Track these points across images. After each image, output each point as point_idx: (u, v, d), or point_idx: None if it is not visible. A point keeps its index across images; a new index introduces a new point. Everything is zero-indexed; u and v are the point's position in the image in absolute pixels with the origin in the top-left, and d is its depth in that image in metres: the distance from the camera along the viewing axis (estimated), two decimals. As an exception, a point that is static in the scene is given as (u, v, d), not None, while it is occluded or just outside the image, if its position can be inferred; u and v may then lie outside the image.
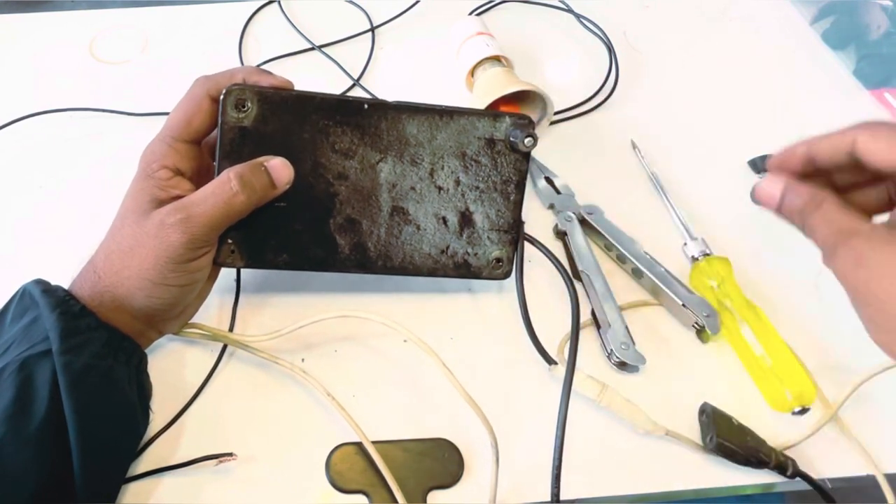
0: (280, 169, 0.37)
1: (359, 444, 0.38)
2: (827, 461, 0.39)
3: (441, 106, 0.39)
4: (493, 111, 0.39)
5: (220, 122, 0.37)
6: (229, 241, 0.38)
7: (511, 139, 0.40)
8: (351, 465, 0.38)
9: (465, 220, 0.42)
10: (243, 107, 0.37)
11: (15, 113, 0.55)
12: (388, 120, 0.39)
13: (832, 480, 0.38)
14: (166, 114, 0.56)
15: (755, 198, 0.36)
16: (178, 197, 0.36)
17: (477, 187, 0.41)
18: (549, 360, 0.41)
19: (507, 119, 0.40)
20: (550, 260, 0.43)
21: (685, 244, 0.48)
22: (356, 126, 0.39)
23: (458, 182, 0.41)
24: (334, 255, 0.41)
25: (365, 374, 0.42)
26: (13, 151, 0.54)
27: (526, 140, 0.39)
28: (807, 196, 0.33)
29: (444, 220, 0.42)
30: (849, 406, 0.40)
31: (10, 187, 0.52)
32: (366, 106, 0.39)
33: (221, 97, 0.37)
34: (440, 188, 0.41)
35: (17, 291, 0.36)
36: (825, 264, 0.32)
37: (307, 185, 0.39)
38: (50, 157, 0.54)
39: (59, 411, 0.31)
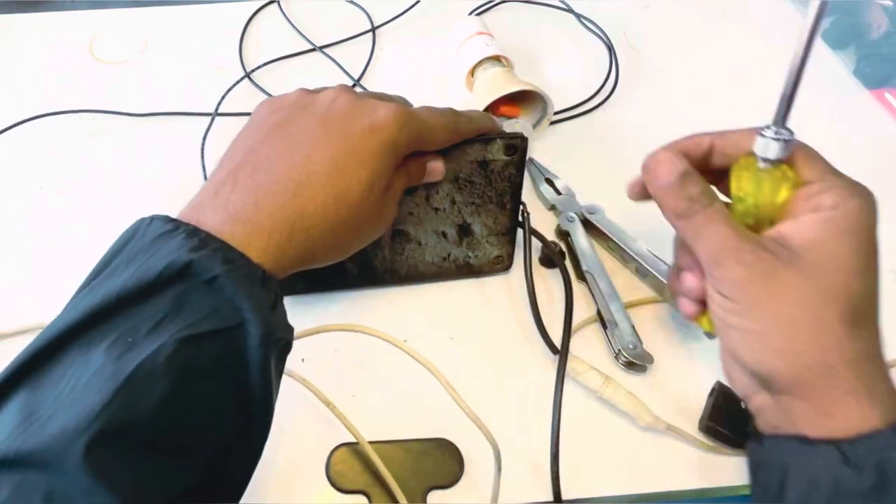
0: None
1: (359, 445, 0.38)
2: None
3: None
4: (483, 136, 0.39)
5: None
6: None
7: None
8: (351, 465, 0.38)
9: (464, 230, 0.43)
10: None
11: (14, 113, 0.55)
12: None
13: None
14: (166, 114, 0.57)
15: (646, 165, 0.33)
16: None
17: (473, 203, 0.42)
18: (555, 350, 0.42)
19: (499, 141, 0.40)
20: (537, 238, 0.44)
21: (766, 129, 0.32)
22: None
23: (453, 202, 0.42)
24: (344, 277, 0.43)
25: (365, 374, 0.42)
26: (13, 152, 0.54)
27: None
28: (703, 185, 0.32)
29: (444, 234, 0.43)
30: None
31: (11, 188, 0.52)
32: None
33: None
34: (437, 209, 0.42)
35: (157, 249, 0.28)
36: (715, 271, 0.31)
37: None
38: (50, 157, 0.54)
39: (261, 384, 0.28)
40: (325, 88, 0.36)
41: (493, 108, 0.53)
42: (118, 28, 0.65)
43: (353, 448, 0.38)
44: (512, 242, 0.44)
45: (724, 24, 0.69)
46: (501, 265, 0.45)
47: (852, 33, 0.65)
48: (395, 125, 0.33)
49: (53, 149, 0.54)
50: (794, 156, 0.31)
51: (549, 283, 0.46)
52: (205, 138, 0.53)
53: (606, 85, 0.61)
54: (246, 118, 0.55)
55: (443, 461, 0.38)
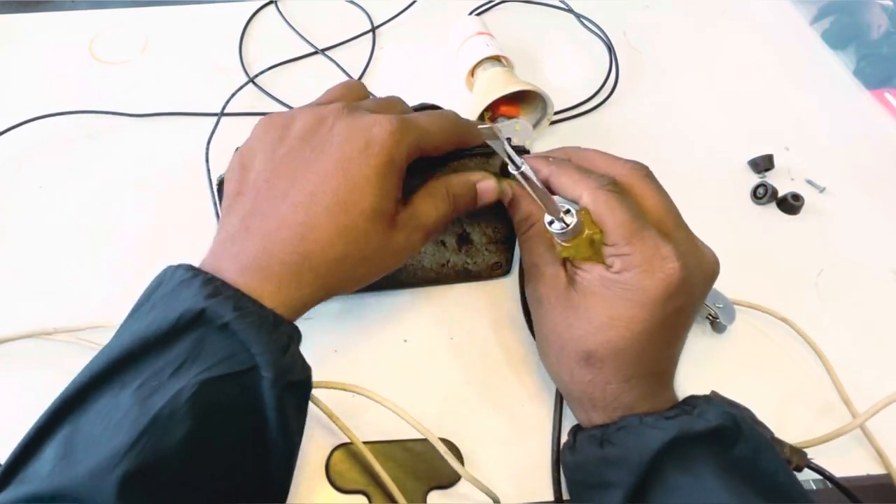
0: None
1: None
2: (844, 465, 0.38)
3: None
4: (484, 149, 0.39)
5: (220, 205, 0.38)
6: None
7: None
8: (350, 465, 0.38)
9: (463, 239, 0.43)
10: None
11: (15, 113, 0.55)
12: None
13: (844, 479, 0.37)
14: (166, 114, 0.57)
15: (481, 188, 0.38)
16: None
17: (472, 213, 0.41)
18: None
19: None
20: None
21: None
22: None
23: None
24: None
25: (365, 374, 0.42)
26: (13, 152, 0.54)
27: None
28: (524, 213, 0.38)
29: (443, 243, 0.43)
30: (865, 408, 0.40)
31: (11, 188, 0.52)
32: None
33: (216, 184, 0.37)
34: None
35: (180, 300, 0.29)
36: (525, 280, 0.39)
37: None
38: (50, 158, 0.54)
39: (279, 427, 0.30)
40: (324, 107, 0.35)
41: (493, 108, 0.53)
42: (118, 28, 0.65)
43: (353, 448, 0.38)
44: (511, 249, 0.45)
45: (724, 23, 0.69)
46: (500, 271, 0.46)
47: (852, 33, 0.65)
48: (391, 140, 0.32)
49: (53, 149, 0.54)
50: (605, 220, 0.34)
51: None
52: (209, 141, 0.53)
53: (606, 85, 0.61)
54: (249, 118, 0.57)
55: (443, 461, 0.38)
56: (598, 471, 0.33)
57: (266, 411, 0.29)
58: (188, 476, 0.27)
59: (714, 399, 0.35)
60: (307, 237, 0.31)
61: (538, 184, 0.33)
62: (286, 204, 0.32)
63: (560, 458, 0.37)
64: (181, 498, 0.27)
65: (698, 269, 0.34)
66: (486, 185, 0.38)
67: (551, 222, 0.34)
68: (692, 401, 0.34)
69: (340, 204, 0.31)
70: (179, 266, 0.31)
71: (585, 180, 0.35)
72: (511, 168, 0.32)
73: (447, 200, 0.36)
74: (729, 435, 0.31)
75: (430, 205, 0.36)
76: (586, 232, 0.34)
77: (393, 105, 0.37)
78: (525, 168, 0.32)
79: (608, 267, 0.34)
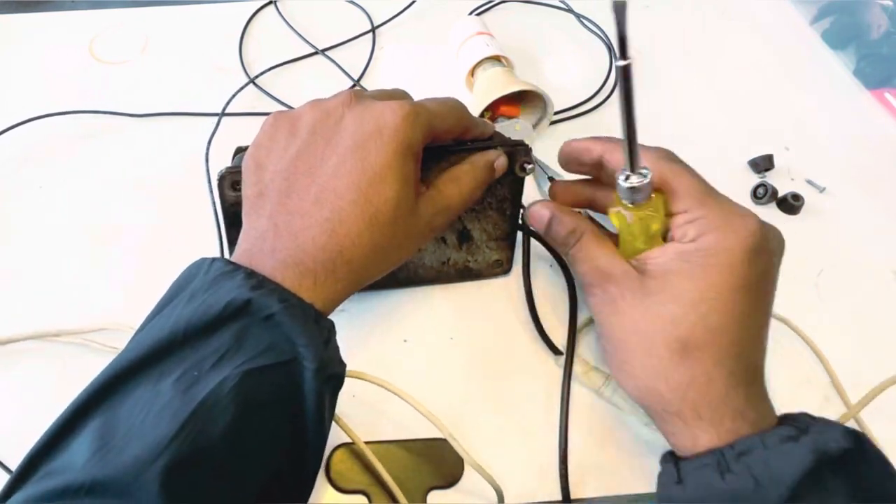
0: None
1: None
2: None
3: (429, 146, 0.38)
4: (485, 144, 0.39)
5: (220, 201, 0.38)
6: None
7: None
8: (351, 465, 0.38)
9: (464, 236, 0.43)
10: (238, 186, 0.36)
11: (14, 113, 0.55)
12: None
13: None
14: (166, 114, 0.57)
15: (527, 217, 0.39)
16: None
17: (473, 209, 0.42)
18: (556, 351, 0.42)
19: (500, 150, 0.39)
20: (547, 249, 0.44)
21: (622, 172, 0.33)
22: None
23: None
24: None
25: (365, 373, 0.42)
26: (13, 152, 0.54)
27: (527, 167, 0.39)
28: (570, 227, 0.36)
29: (444, 240, 0.43)
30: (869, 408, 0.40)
31: (11, 188, 0.52)
32: None
33: (217, 180, 0.37)
34: None
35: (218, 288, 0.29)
36: (584, 296, 0.36)
37: None
38: (50, 158, 0.54)
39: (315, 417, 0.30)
40: (331, 99, 0.35)
41: (493, 108, 0.53)
42: (118, 28, 0.65)
43: (353, 448, 0.38)
44: (511, 247, 0.45)
45: (724, 23, 0.69)
46: (501, 269, 0.46)
47: (852, 33, 0.65)
48: (405, 124, 0.32)
49: (53, 149, 0.54)
50: (672, 184, 0.33)
51: (550, 283, 0.46)
52: (210, 142, 0.53)
53: (606, 85, 0.61)
54: (249, 118, 0.57)
55: (443, 461, 0.38)
56: None
57: (305, 403, 0.29)
58: (229, 466, 0.27)
59: (808, 414, 0.31)
60: (337, 232, 0.31)
61: (633, 91, 0.29)
62: (309, 200, 0.32)
63: (659, 492, 0.32)
64: (223, 488, 0.27)
65: (771, 230, 0.33)
66: (501, 163, 0.38)
67: (626, 178, 0.32)
68: (796, 416, 0.31)
69: (363, 195, 0.31)
70: (215, 259, 0.31)
71: (645, 152, 0.34)
72: (619, 61, 0.28)
73: (472, 184, 0.37)
74: (854, 457, 0.28)
75: (455, 189, 0.36)
76: (648, 211, 0.33)
77: (399, 95, 0.37)
78: (629, 63, 0.28)
79: (680, 240, 0.32)
